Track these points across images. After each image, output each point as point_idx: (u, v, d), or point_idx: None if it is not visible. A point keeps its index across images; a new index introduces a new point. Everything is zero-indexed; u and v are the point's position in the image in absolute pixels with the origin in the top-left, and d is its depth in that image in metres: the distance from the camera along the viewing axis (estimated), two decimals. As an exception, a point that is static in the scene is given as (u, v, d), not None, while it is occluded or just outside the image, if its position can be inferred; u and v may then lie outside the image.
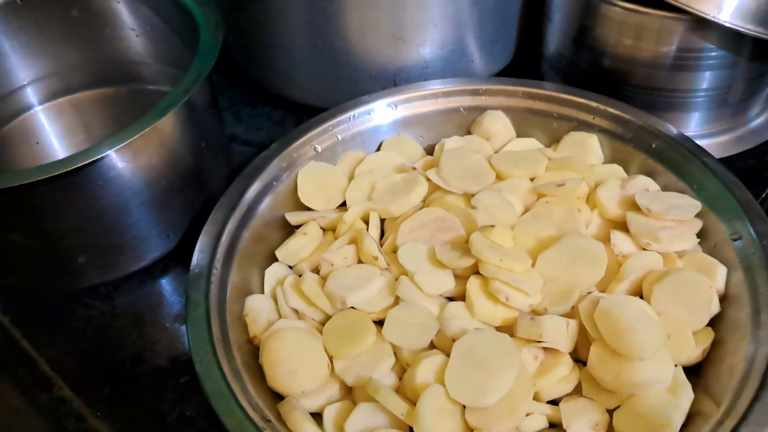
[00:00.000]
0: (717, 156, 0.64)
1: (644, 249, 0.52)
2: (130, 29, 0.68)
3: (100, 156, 0.49)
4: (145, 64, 0.70)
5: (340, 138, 0.61)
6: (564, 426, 0.44)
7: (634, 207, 0.54)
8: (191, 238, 0.52)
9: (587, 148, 0.60)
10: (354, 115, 0.61)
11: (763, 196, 0.63)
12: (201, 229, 0.52)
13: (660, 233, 0.51)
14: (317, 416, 0.47)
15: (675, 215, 0.52)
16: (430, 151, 0.63)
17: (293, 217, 0.57)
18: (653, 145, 0.57)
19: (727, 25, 0.57)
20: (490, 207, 0.54)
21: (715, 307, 0.49)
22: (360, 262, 0.53)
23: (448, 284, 0.51)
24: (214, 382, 0.44)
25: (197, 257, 0.50)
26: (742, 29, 0.57)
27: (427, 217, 0.54)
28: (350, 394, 0.48)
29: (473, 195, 0.56)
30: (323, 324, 0.50)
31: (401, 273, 0.51)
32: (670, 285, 0.48)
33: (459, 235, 0.53)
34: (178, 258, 0.59)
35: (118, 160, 0.51)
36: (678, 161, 0.56)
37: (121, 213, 0.54)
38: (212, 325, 0.47)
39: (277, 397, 0.48)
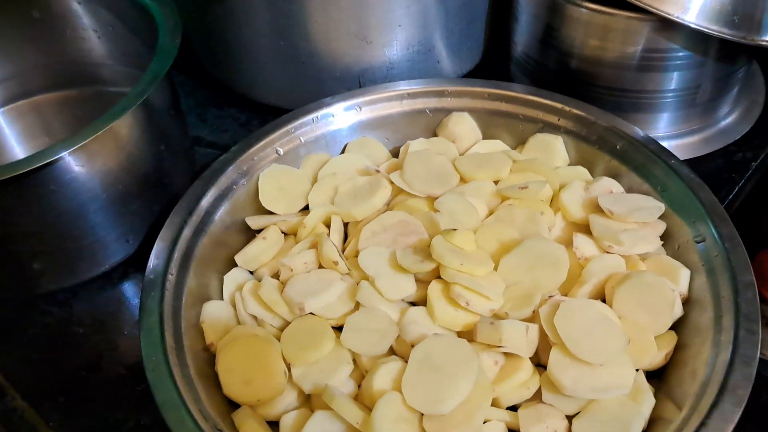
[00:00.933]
0: (685, 157, 0.64)
1: (607, 252, 0.51)
2: (92, 30, 0.67)
3: (53, 158, 0.48)
4: (107, 65, 0.68)
5: (302, 140, 0.60)
6: (522, 433, 0.43)
7: (598, 209, 0.53)
8: (152, 243, 0.50)
9: (552, 150, 0.59)
10: (317, 117, 0.60)
11: (731, 197, 0.63)
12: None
13: (622, 236, 0.50)
14: (274, 425, 0.46)
15: (638, 217, 0.52)
16: (396, 153, 0.62)
17: (254, 221, 0.56)
18: (618, 147, 0.57)
19: (691, 26, 0.56)
20: (453, 210, 0.53)
21: (678, 311, 0.48)
22: (321, 266, 0.52)
23: (409, 289, 0.50)
24: (165, 390, 0.43)
25: (152, 263, 0.49)
26: (707, 30, 0.56)
27: (389, 221, 0.53)
28: (308, 401, 0.47)
29: (437, 198, 0.55)
30: (282, 330, 0.49)
31: (363, 278, 0.50)
32: (632, 288, 0.48)
33: (422, 239, 0.52)
34: (138, 263, 0.58)
35: (72, 162, 0.50)
36: (642, 163, 0.55)
37: (77, 217, 0.53)
38: (165, 332, 0.46)
39: (234, 406, 0.46)
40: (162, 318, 0.46)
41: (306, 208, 0.57)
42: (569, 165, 0.59)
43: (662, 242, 0.52)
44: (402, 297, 0.50)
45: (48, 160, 0.47)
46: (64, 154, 0.48)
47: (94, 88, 0.70)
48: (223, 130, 0.73)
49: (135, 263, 0.59)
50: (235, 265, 0.54)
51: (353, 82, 0.67)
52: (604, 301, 0.49)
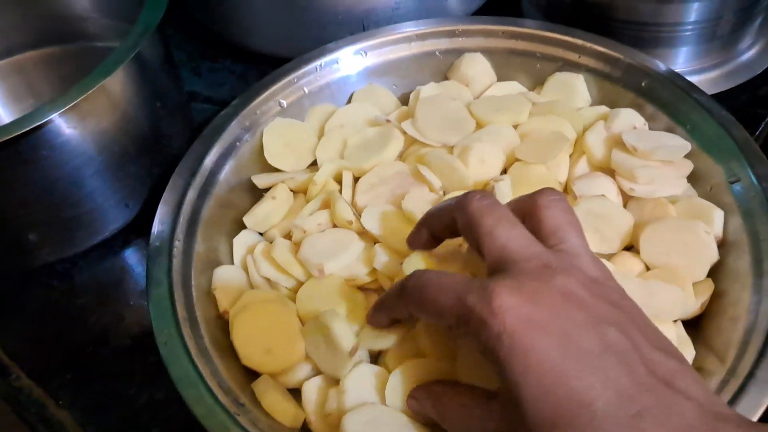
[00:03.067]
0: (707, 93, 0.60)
1: (630, 196, 0.48)
2: (73, -19, 0.62)
3: (42, 121, 0.44)
4: (92, 19, 0.64)
5: (306, 91, 0.56)
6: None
7: (621, 146, 0.50)
8: (152, 207, 0.48)
9: (573, 90, 0.55)
10: (320, 65, 0.56)
11: (757, 133, 0.60)
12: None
13: (638, 171, 0.48)
14: (296, 392, 0.44)
15: (662, 155, 0.49)
16: (405, 100, 0.59)
17: (260, 180, 0.53)
18: (643, 84, 0.53)
19: (718, -51, 0.53)
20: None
21: (713, 255, 0.46)
22: (335, 225, 0.49)
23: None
24: (180, 366, 0.40)
25: (157, 229, 0.46)
26: (735, -46, 0.53)
27: (387, 172, 0.50)
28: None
29: (452, 147, 0.52)
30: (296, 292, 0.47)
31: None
32: (660, 233, 0.45)
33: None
34: (139, 229, 0.55)
35: (63, 125, 0.47)
36: (670, 101, 0.52)
37: (72, 183, 0.50)
38: (176, 303, 0.43)
39: (252, 374, 0.44)
40: (171, 287, 0.44)
41: (314, 164, 0.54)
42: (592, 105, 0.56)
43: (693, 185, 0.50)
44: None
45: (37, 124, 0.44)
46: (54, 115, 0.45)
47: (79, 44, 0.65)
48: (219, 83, 0.69)
49: (136, 229, 0.55)
50: (244, 227, 0.51)
51: (356, 25, 0.63)
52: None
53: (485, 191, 0.39)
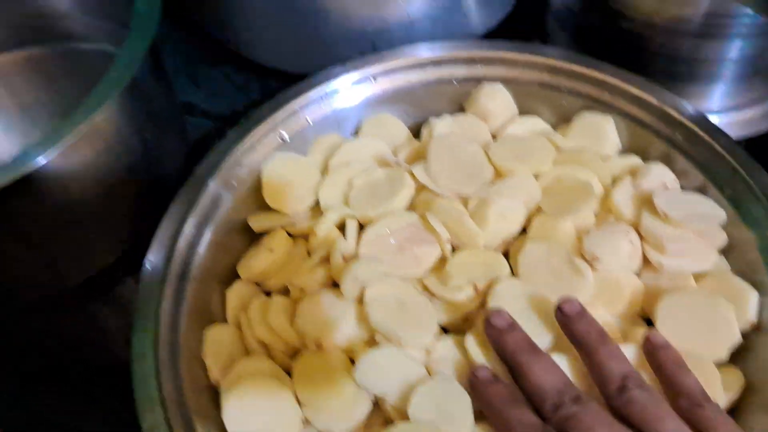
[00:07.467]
0: (744, 133, 0.57)
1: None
2: (54, -24, 0.56)
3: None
4: (75, 18, 0.58)
5: (310, 121, 0.52)
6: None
7: (650, 205, 0.46)
8: (143, 240, 0.44)
9: (602, 134, 0.51)
10: (325, 93, 0.52)
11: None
12: (155, 229, 0.44)
13: (670, 245, 0.44)
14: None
15: (695, 225, 0.45)
16: (416, 129, 0.54)
17: (257, 223, 0.49)
18: (678, 135, 0.49)
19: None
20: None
21: (735, 338, 0.42)
22: (335, 283, 0.45)
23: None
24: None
25: (144, 287, 0.42)
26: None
27: (397, 224, 0.47)
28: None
29: (466, 197, 0.48)
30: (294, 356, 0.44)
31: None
32: (680, 306, 0.42)
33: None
34: (130, 265, 0.50)
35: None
36: (705, 158, 0.48)
37: (55, 228, 0.46)
38: (162, 380, 0.40)
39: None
40: (158, 363, 0.40)
41: (317, 203, 0.50)
42: (621, 151, 0.52)
43: (726, 256, 0.46)
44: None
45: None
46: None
47: (62, 46, 0.60)
48: (218, 94, 0.63)
49: (127, 265, 0.51)
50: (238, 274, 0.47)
51: (366, 44, 0.57)
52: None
53: None
